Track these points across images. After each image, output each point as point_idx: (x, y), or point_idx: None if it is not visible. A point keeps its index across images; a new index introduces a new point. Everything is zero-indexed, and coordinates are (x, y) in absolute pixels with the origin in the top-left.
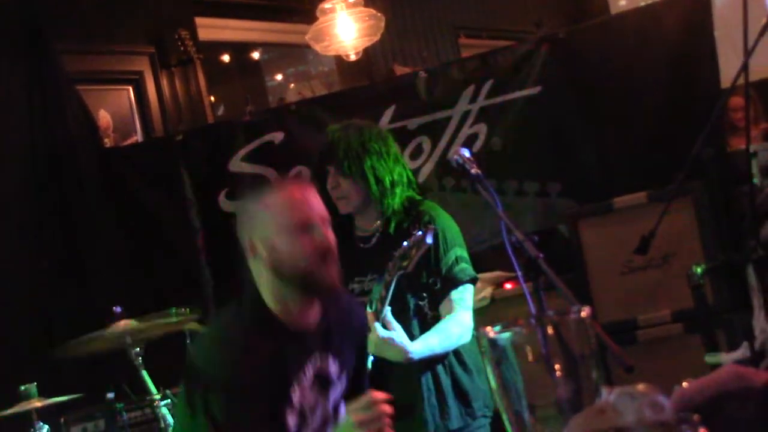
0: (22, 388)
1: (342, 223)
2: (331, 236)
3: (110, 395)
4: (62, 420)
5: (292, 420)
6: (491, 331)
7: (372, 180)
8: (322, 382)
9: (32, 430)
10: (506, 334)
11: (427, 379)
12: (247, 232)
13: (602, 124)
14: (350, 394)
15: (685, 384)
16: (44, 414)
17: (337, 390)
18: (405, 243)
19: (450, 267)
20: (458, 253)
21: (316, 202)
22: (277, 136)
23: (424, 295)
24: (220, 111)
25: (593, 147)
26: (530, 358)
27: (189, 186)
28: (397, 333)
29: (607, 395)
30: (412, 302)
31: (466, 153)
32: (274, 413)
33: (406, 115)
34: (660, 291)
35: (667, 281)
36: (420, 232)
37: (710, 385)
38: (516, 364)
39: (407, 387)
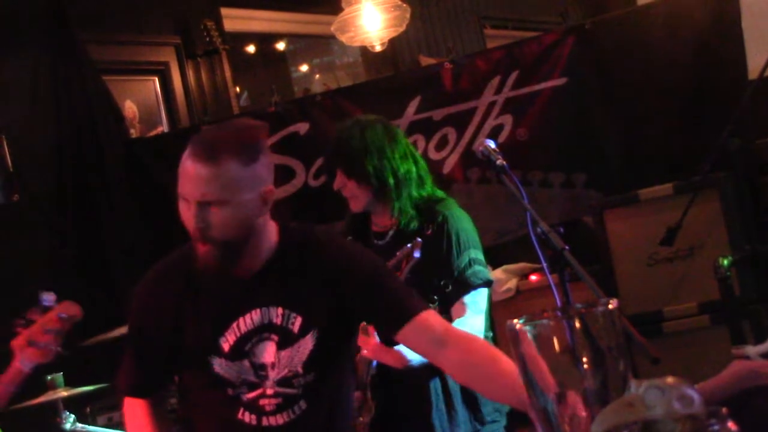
0: (49, 377)
1: (359, 219)
2: (211, 219)
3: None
4: (88, 409)
5: (219, 367)
6: (518, 324)
7: (374, 181)
8: (282, 335)
9: (58, 419)
10: (534, 326)
11: (435, 385)
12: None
13: (628, 115)
14: (382, 317)
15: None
16: (70, 403)
17: (301, 347)
18: (397, 253)
19: (463, 270)
20: (472, 255)
21: (199, 179)
22: (303, 127)
23: (435, 297)
24: (246, 101)
25: (619, 138)
26: (557, 350)
27: None
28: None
29: (636, 388)
30: None
31: (492, 144)
32: (192, 357)
33: (432, 105)
34: (686, 283)
35: (693, 273)
36: (409, 245)
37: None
38: (543, 356)
39: (415, 392)
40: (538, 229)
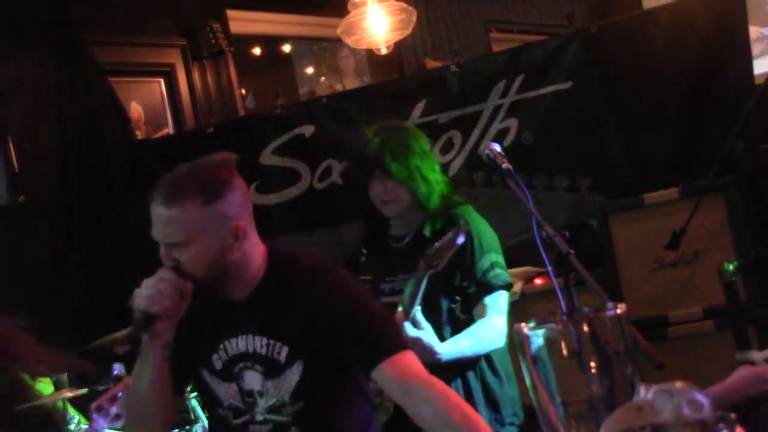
0: (53, 378)
1: (376, 222)
2: (182, 256)
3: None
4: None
5: (212, 383)
6: (525, 327)
7: (419, 179)
8: (267, 365)
9: (63, 420)
10: (541, 330)
11: (457, 385)
12: None
13: (633, 119)
14: (355, 349)
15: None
16: (75, 404)
17: (289, 378)
18: (436, 243)
19: (485, 272)
20: (493, 258)
21: (164, 222)
22: (308, 129)
23: (457, 298)
24: (251, 104)
25: (624, 142)
26: (564, 354)
27: None
28: (426, 333)
29: (645, 392)
30: (444, 304)
31: (497, 147)
32: (191, 368)
33: (437, 109)
34: (691, 287)
35: (698, 278)
36: (451, 233)
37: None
38: (549, 361)
39: None
40: (543, 233)
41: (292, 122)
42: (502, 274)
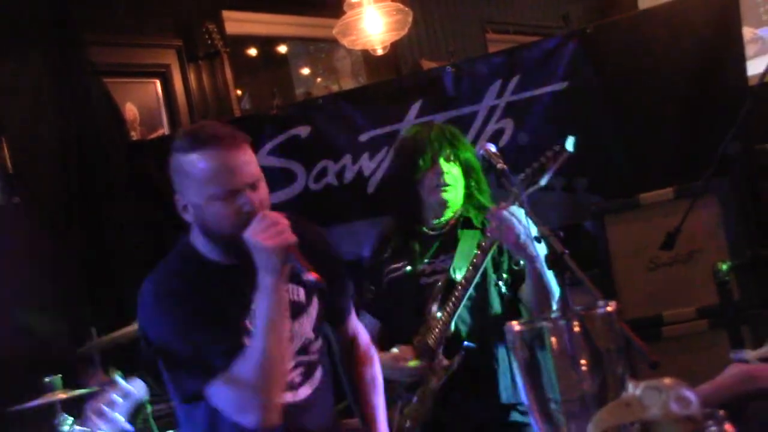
0: (47, 379)
1: (410, 210)
2: (257, 198)
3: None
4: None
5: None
6: (517, 325)
7: (473, 168)
8: (292, 308)
9: (56, 421)
10: (532, 329)
11: (502, 351)
12: (179, 192)
13: (629, 119)
14: (332, 316)
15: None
16: (68, 406)
17: (311, 313)
18: (541, 157)
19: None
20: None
21: (243, 165)
22: (304, 130)
23: (504, 275)
24: (247, 105)
25: (620, 142)
26: (556, 352)
27: None
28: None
29: (634, 389)
30: (492, 278)
31: (493, 148)
32: (229, 341)
33: (433, 109)
34: (685, 287)
35: (693, 277)
36: (558, 144)
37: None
38: (541, 359)
39: (482, 356)
40: (538, 233)
41: (288, 123)
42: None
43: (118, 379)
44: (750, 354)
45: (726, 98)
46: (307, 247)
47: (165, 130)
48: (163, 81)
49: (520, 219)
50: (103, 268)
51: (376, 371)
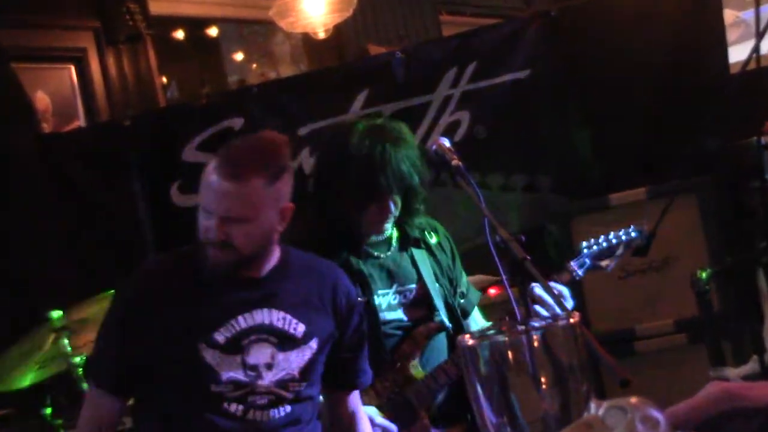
0: None
1: (349, 239)
2: (236, 234)
3: (45, 410)
4: None
5: (212, 358)
6: (470, 339)
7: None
8: (281, 338)
9: None
10: (487, 343)
11: None
12: None
13: (598, 111)
14: (338, 371)
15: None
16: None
17: (304, 353)
18: (613, 238)
19: (468, 287)
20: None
21: (229, 198)
22: (237, 122)
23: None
24: (174, 93)
25: (588, 137)
26: (514, 368)
27: (137, 177)
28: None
29: (596, 408)
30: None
31: (447, 142)
32: (183, 345)
33: (381, 99)
34: (661, 297)
35: (669, 287)
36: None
37: (701, 407)
38: (498, 375)
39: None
40: (497, 237)
41: (219, 114)
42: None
43: None
44: (732, 372)
45: (705, 88)
46: (322, 298)
47: (81, 121)
48: (79, 67)
49: (567, 299)
50: (7, 273)
51: None
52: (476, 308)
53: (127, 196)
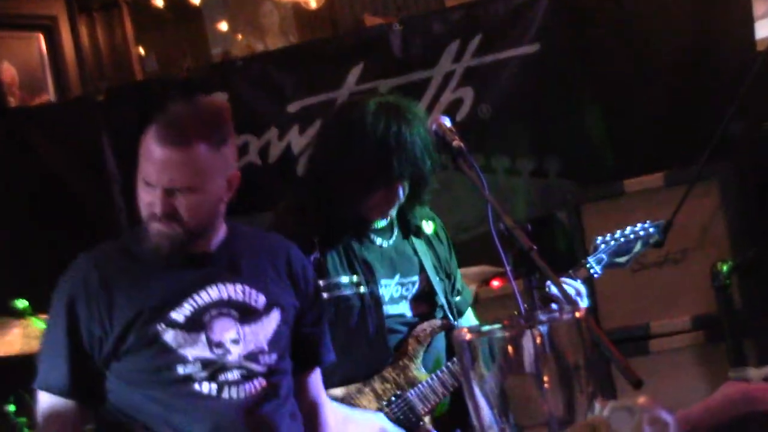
0: None
1: (354, 223)
2: (181, 205)
3: (9, 408)
4: None
5: (174, 340)
6: (467, 334)
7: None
8: (243, 311)
9: None
10: (486, 338)
11: None
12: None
13: (612, 90)
14: (301, 347)
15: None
16: None
17: (269, 324)
18: (631, 233)
19: (463, 284)
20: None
21: (163, 163)
22: (221, 98)
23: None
24: (152, 66)
25: (600, 118)
26: (515, 367)
27: (112, 156)
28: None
29: (602, 409)
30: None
31: (448, 122)
32: (140, 330)
33: (377, 75)
34: (678, 292)
35: (687, 281)
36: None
37: (716, 410)
38: (497, 375)
39: None
40: (501, 226)
41: (201, 89)
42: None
43: None
44: (754, 372)
45: (729, 66)
46: (278, 268)
47: (50, 95)
48: (48, 36)
49: (584, 297)
50: None
51: None
52: (470, 308)
53: (100, 177)
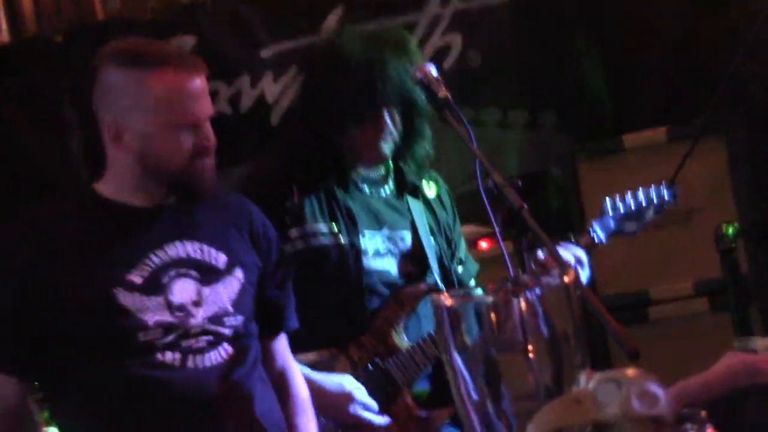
0: None
1: (336, 165)
2: (212, 135)
3: None
4: None
5: (132, 303)
6: (448, 299)
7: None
8: (203, 271)
9: None
10: (468, 304)
11: None
12: (113, 113)
13: (611, 37)
14: (264, 311)
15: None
16: None
17: (231, 284)
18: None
19: (467, 255)
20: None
21: (205, 94)
22: (188, 41)
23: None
24: (114, 5)
25: (598, 66)
26: (498, 334)
27: (70, 104)
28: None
29: (587, 381)
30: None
31: (434, 70)
32: (95, 295)
33: (357, 19)
34: (680, 256)
35: (689, 244)
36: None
37: (716, 382)
38: (479, 343)
39: None
40: (490, 182)
41: (166, 31)
42: None
43: None
44: (760, 342)
45: (739, 7)
46: (238, 225)
47: (4, 37)
48: None
49: (585, 266)
50: None
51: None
52: (474, 282)
53: (57, 126)
